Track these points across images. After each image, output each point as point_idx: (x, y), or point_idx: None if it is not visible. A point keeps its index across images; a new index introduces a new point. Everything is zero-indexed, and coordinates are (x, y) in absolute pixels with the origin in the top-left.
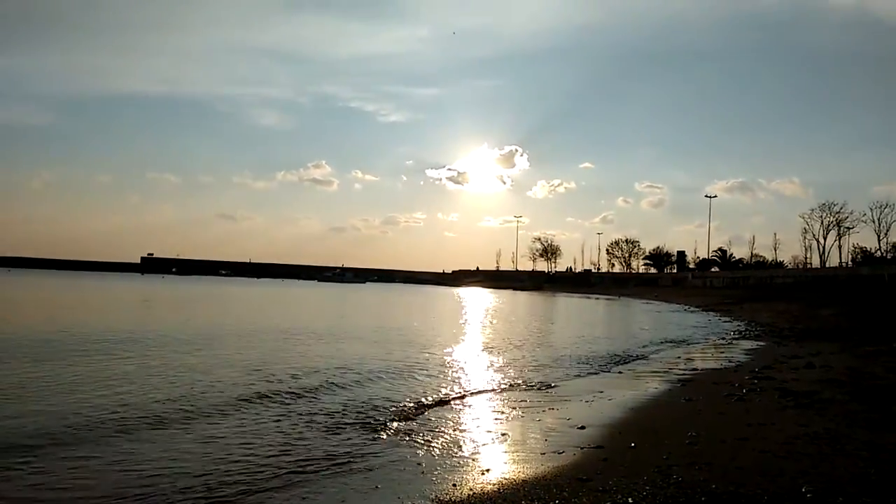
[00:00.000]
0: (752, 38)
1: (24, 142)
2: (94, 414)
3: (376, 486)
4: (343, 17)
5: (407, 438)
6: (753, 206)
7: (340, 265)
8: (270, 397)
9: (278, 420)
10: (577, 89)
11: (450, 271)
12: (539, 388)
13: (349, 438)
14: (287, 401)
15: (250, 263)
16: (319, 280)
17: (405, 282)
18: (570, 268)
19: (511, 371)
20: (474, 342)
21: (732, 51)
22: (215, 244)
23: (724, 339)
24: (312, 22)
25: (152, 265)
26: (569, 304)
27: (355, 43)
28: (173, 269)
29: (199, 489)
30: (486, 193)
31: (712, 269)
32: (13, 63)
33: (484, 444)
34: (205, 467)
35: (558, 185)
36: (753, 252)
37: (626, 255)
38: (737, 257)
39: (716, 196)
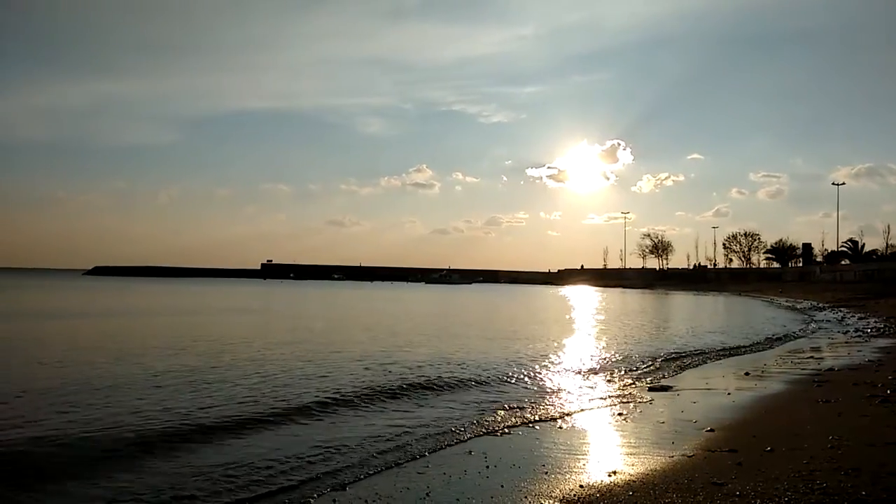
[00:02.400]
0: (872, 12)
1: (151, 160)
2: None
3: (501, 486)
4: (445, 22)
5: (528, 439)
6: (884, 193)
7: (446, 267)
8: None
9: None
10: (681, 78)
11: (555, 270)
12: (659, 389)
13: (471, 437)
14: (412, 395)
15: (360, 267)
16: (427, 282)
17: (510, 282)
18: (697, 264)
19: (629, 371)
20: (589, 342)
21: (851, 27)
22: (327, 249)
23: (859, 336)
24: (415, 29)
25: (271, 271)
26: (684, 302)
27: (458, 46)
28: (291, 275)
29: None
30: (589, 190)
31: (842, 262)
32: (140, 87)
33: (608, 446)
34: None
35: (665, 178)
36: (889, 242)
37: (745, 249)
38: (869, 248)
39: (843, 183)
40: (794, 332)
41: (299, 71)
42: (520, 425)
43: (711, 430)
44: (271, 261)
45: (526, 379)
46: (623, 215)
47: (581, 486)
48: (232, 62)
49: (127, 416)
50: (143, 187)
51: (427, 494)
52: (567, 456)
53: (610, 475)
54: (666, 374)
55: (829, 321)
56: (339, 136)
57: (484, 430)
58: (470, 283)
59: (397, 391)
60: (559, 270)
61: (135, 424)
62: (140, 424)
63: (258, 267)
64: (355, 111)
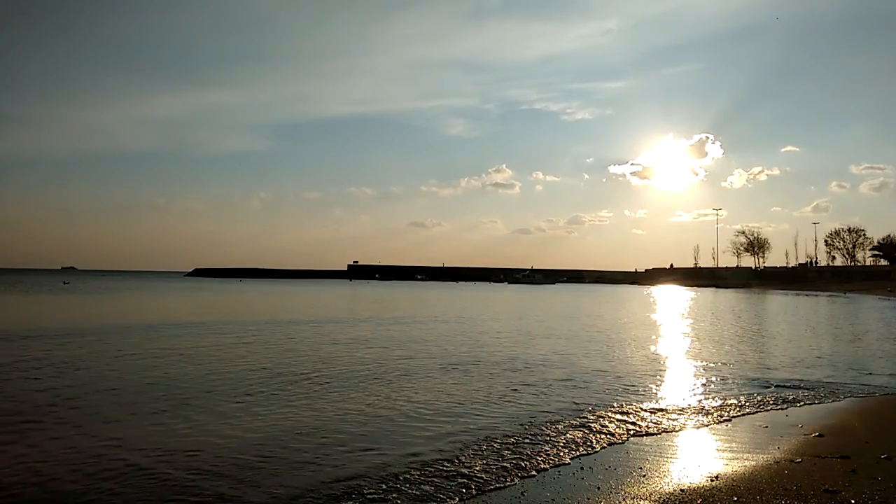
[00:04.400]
0: None
1: (245, 166)
2: None
3: (597, 487)
4: (527, 20)
5: (625, 441)
6: None
7: (529, 267)
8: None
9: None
10: (771, 66)
11: (642, 270)
12: (762, 388)
13: (568, 444)
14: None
15: (443, 267)
16: (510, 282)
17: (595, 282)
18: (807, 262)
19: (729, 374)
20: (685, 345)
21: None
22: (409, 250)
23: None
24: (497, 29)
25: (357, 272)
26: (784, 303)
27: (541, 44)
28: (376, 275)
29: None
30: (676, 187)
31: None
32: (233, 97)
33: (708, 450)
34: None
35: (758, 172)
36: None
37: (849, 246)
38: None
39: None
40: None
41: (384, 75)
42: (614, 424)
43: (820, 436)
44: (357, 262)
45: (621, 381)
46: (714, 212)
47: (682, 490)
48: (320, 69)
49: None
50: (238, 193)
51: (522, 494)
52: (665, 459)
53: (711, 479)
54: (767, 373)
55: None
56: (422, 138)
57: (579, 427)
58: (553, 283)
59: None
60: (647, 270)
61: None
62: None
63: (345, 268)
64: (438, 113)
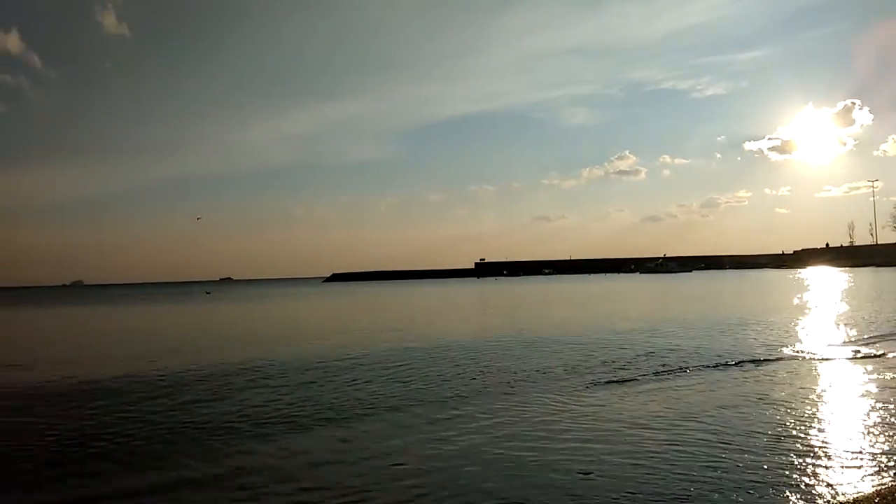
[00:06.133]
0: None
1: (373, 173)
2: None
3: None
4: None
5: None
6: None
7: (662, 255)
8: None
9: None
10: None
11: (790, 252)
12: None
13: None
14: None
15: (571, 260)
16: (641, 272)
17: (736, 268)
18: None
19: None
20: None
21: None
22: (535, 244)
23: None
24: (618, 10)
25: (485, 269)
26: None
27: (666, 20)
28: (504, 272)
29: None
30: (822, 160)
31: None
32: (363, 107)
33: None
34: None
35: None
36: None
37: None
38: None
39: None
40: None
41: (503, 71)
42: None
43: None
44: (484, 259)
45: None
46: (870, 184)
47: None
48: (440, 71)
49: None
50: (367, 199)
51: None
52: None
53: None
54: None
55: None
56: (541, 130)
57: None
58: (690, 271)
59: None
60: (795, 251)
61: None
62: None
63: (472, 266)
64: (559, 104)
